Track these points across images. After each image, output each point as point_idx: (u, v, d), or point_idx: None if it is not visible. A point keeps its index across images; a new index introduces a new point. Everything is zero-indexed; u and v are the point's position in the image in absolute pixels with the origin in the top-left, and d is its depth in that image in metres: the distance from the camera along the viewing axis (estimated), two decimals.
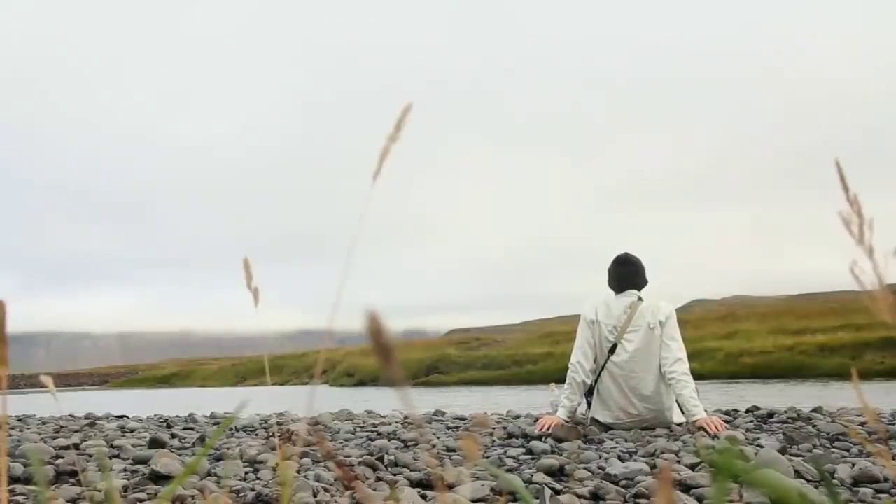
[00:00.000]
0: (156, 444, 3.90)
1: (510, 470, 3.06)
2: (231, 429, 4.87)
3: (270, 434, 4.48)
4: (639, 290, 4.39)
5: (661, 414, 4.20)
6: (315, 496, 2.47)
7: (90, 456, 3.67)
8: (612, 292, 4.43)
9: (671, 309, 4.29)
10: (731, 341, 25.97)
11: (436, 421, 5.32)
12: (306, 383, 36.15)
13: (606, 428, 4.22)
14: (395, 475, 2.93)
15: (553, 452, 3.46)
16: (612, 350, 4.24)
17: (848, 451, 3.31)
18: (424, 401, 13.89)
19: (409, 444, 3.98)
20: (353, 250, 0.83)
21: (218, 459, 3.33)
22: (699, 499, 2.39)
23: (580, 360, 4.27)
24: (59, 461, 3.29)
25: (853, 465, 2.70)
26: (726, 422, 4.27)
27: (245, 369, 46.88)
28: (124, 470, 3.20)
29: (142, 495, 2.62)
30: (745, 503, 2.27)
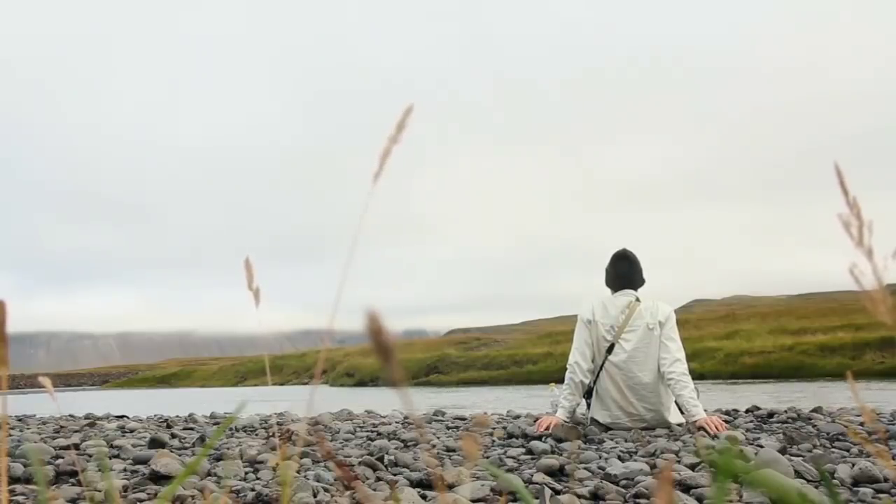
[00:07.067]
0: (156, 444, 3.90)
1: (510, 470, 3.06)
2: (231, 429, 4.87)
3: (270, 434, 4.48)
4: (635, 288, 4.40)
5: (660, 414, 4.20)
6: (315, 496, 2.47)
7: (90, 456, 3.67)
8: (609, 292, 4.44)
9: (670, 310, 4.29)
10: (731, 341, 25.96)
11: (436, 421, 5.32)
12: (306, 383, 36.14)
13: (606, 428, 4.22)
14: (395, 475, 2.93)
15: (553, 452, 3.46)
16: (610, 350, 4.25)
17: (848, 451, 3.31)
18: (424, 401, 13.89)
19: (409, 444, 3.98)
20: (354, 250, 0.83)
21: (218, 459, 3.33)
22: (699, 499, 2.38)
23: (578, 361, 4.27)
24: (59, 461, 3.29)
25: (853, 465, 2.70)
26: (726, 422, 4.27)
27: (245, 369, 46.88)
28: (124, 470, 3.20)
29: (142, 495, 2.61)
30: (745, 503, 2.27)
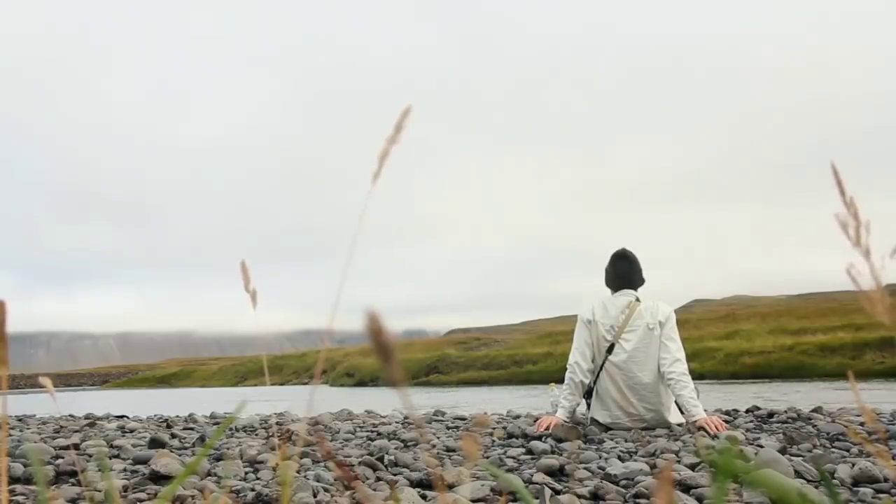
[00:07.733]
0: (156, 444, 3.90)
1: (510, 470, 3.06)
2: (231, 429, 4.87)
3: (270, 434, 4.48)
4: (635, 288, 4.40)
5: (660, 414, 4.20)
6: (315, 496, 2.48)
7: (90, 456, 3.67)
8: (609, 292, 4.44)
9: (670, 310, 4.29)
10: (731, 341, 25.95)
11: (436, 421, 5.32)
12: (306, 383, 36.14)
13: (606, 428, 4.22)
14: (395, 475, 2.93)
15: (553, 452, 3.46)
16: (610, 350, 4.25)
17: (848, 451, 3.31)
18: (424, 401, 13.89)
19: (409, 444, 3.98)
20: (354, 250, 0.83)
21: (218, 459, 3.33)
22: (699, 499, 2.39)
23: (578, 361, 4.27)
24: (59, 461, 3.29)
25: (853, 465, 2.70)
26: (726, 422, 4.27)
27: (245, 369, 46.88)
28: (124, 470, 3.20)
29: (142, 495, 2.62)
30: (744, 503, 2.27)
